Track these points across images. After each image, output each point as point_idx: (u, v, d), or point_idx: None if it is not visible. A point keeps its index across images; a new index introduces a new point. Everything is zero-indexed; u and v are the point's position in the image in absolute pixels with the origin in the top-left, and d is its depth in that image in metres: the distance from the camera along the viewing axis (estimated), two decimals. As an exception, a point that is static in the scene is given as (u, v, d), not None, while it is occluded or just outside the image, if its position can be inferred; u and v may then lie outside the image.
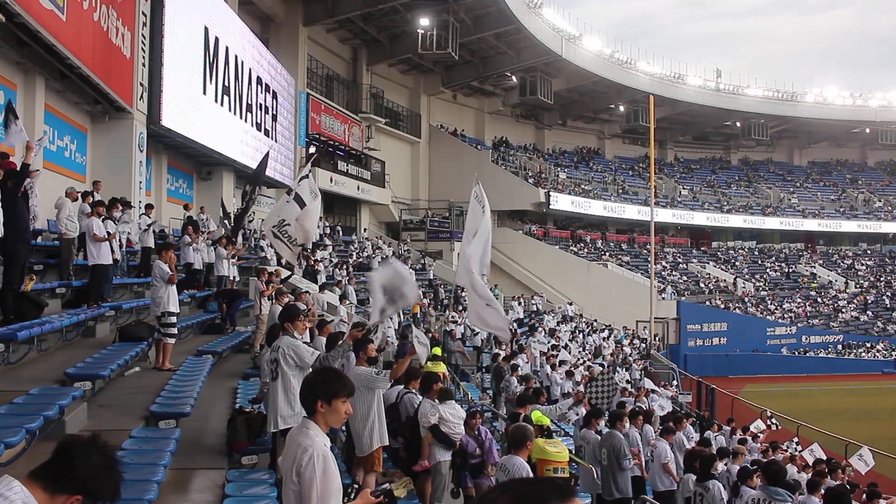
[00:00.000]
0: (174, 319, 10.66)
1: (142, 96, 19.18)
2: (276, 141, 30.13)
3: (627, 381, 22.80)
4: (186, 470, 6.60)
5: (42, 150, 11.76)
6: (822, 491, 9.17)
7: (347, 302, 21.76)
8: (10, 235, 9.05)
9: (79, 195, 13.51)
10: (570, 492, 1.40)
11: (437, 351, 13.35)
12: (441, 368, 11.33)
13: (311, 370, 6.27)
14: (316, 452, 3.58)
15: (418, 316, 24.68)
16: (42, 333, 8.99)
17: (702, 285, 51.97)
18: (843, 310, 53.43)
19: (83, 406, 7.38)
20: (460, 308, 27.24)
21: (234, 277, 17.74)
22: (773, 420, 22.09)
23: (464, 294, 26.96)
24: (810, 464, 15.55)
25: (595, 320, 38.65)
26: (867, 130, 65.16)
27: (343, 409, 3.78)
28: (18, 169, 9.58)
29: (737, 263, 57.39)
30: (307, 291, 16.43)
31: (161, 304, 10.50)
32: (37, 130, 14.45)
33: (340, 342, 7.28)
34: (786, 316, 51.09)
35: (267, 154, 19.64)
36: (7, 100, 14.49)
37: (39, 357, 9.09)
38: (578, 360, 25.37)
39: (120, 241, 13.08)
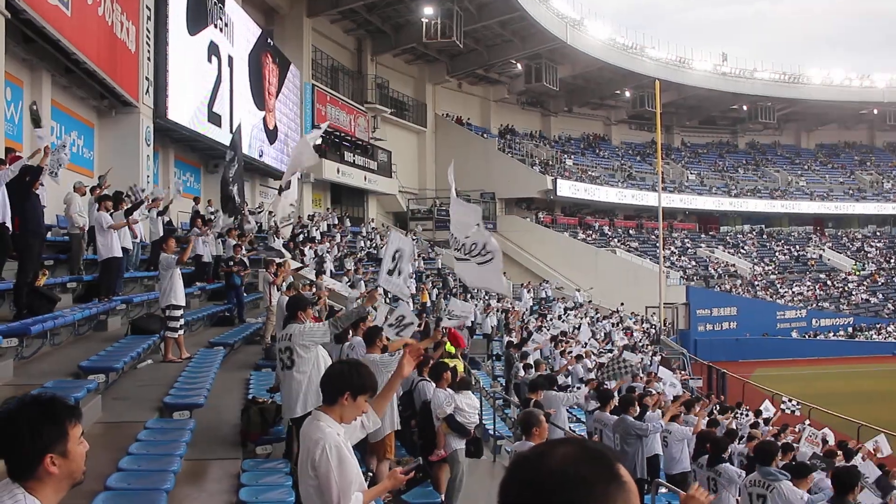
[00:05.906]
0: (178, 313, 10.57)
1: (147, 90, 19.21)
2: (284, 135, 30.41)
3: (640, 366, 22.74)
4: (202, 460, 6.63)
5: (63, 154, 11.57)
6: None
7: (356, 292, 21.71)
8: (23, 230, 9.10)
9: (87, 189, 13.55)
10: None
11: (451, 349, 13.30)
12: (458, 365, 11.09)
13: (338, 361, 6.11)
14: (328, 444, 3.50)
15: (428, 304, 24.69)
16: (55, 328, 9.04)
17: (711, 270, 51.84)
18: (854, 292, 53.20)
19: (97, 399, 7.43)
20: (469, 297, 27.25)
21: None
22: (792, 403, 21.97)
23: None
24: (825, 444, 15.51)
25: (625, 309, 38.60)
26: (875, 111, 64.52)
27: (363, 407, 3.75)
28: (34, 168, 9.60)
29: (745, 247, 57.18)
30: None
31: (165, 296, 10.48)
32: (44, 126, 14.53)
33: (353, 308, 7.20)
34: (795, 299, 50.93)
35: (240, 125, 19.78)
36: (32, 102, 14.63)
37: (53, 351, 9.15)
38: (587, 345, 25.30)
39: (133, 231, 13.08)
